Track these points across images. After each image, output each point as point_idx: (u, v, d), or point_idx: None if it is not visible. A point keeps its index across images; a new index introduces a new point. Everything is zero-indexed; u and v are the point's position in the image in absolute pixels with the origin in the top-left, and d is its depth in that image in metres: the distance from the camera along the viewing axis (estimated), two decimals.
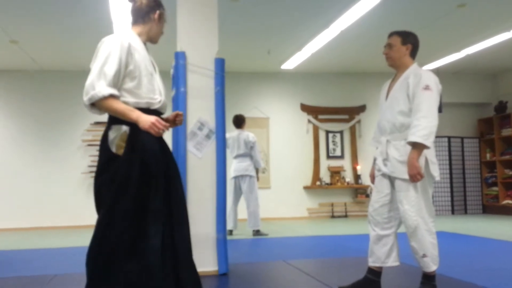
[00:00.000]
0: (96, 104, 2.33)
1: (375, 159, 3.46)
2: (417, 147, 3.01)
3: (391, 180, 3.24)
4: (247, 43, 8.05)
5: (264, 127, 9.91)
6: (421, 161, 3.07)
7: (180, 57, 4.13)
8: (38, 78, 9.19)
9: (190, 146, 4.11)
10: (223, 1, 5.09)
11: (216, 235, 4.08)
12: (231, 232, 6.91)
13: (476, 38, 7.92)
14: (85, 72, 2.40)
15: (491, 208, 10.35)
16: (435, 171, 3.17)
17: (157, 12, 2.61)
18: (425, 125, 2.99)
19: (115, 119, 2.40)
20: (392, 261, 3.25)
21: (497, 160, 10.20)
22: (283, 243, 6.34)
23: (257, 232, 7.00)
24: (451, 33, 7.68)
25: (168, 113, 2.66)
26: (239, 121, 7.15)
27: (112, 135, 2.40)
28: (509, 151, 9.97)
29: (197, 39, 4.24)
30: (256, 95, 9.99)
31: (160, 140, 2.49)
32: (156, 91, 2.51)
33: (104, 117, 2.46)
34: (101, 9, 6.13)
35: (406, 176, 3.07)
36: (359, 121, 10.32)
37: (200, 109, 4.16)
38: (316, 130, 10.15)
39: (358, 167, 10.11)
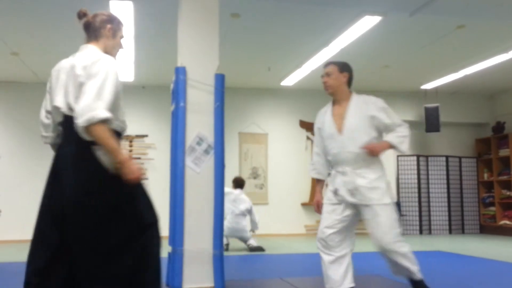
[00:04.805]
0: (89, 128, 2.14)
1: (319, 186, 3.54)
2: (390, 146, 3.25)
3: (358, 207, 3.26)
4: (247, 59, 8.09)
5: (262, 143, 9.92)
6: (383, 185, 3.22)
7: (180, 72, 4.15)
8: (38, 91, 9.17)
9: (189, 161, 4.11)
10: (224, 17, 5.13)
11: (212, 250, 4.06)
12: (227, 246, 6.89)
13: (475, 59, 7.98)
14: None
15: (488, 228, 10.32)
16: (392, 193, 3.37)
17: (108, 26, 2.50)
18: (401, 134, 3.27)
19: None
20: (349, 283, 3.23)
21: (495, 180, 10.20)
22: (280, 260, 6.31)
23: (253, 247, 7.02)
24: (449, 54, 7.74)
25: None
26: (241, 183, 7.33)
27: (102, 155, 2.25)
28: (507, 172, 9.98)
29: (197, 54, 4.27)
30: (255, 111, 10.02)
31: None
32: (125, 115, 2.45)
33: None
34: None
35: (375, 202, 3.15)
36: None
37: (199, 124, 4.16)
38: None
39: None
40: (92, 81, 2.21)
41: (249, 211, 7.12)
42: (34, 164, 9.02)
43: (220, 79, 4.24)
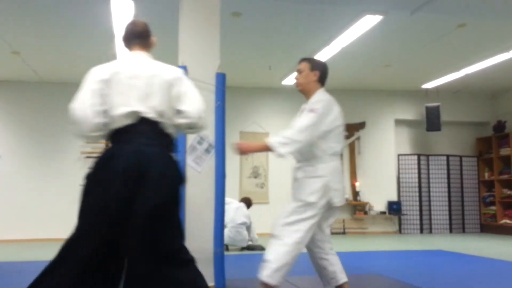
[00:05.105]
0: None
1: None
2: (268, 146, 3.05)
3: None
4: (248, 58, 8.09)
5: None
6: (317, 184, 3.11)
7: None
8: (39, 90, 9.20)
9: (190, 160, 4.11)
10: (225, 16, 5.13)
11: (213, 249, 4.06)
12: (227, 247, 6.89)
13: (476, 58, 7.97)
14: None
15: (489, 227, 10.32)
16: (336, 197, 3.23)
17: (154, 38, 2.70)
18: (286, 135, 3.07)
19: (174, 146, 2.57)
20: (337, 281, 3.31)
21: (495, 179, 10.20)
22: None
23: (252, 245, 7.01)
24: (451, 53, 7.73)
25: None
26: (249, 202, 7.39)
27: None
28: (507, 171, 9.98)
29: (198, 53, 4.27)
30: (256, 110, 10.01)
31: None
32: None
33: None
34: (104, 22, 6.16)
35: (300, 196, 3.12)
36: (358, 138, 10.33)
37: None
38: None
39: (357, 184, 10.10)
40: (189, 90, 2.56)
41: (248, 228, 7.08)
42: (35, 163, 9.03)
43: (221, 78, 4.24)
